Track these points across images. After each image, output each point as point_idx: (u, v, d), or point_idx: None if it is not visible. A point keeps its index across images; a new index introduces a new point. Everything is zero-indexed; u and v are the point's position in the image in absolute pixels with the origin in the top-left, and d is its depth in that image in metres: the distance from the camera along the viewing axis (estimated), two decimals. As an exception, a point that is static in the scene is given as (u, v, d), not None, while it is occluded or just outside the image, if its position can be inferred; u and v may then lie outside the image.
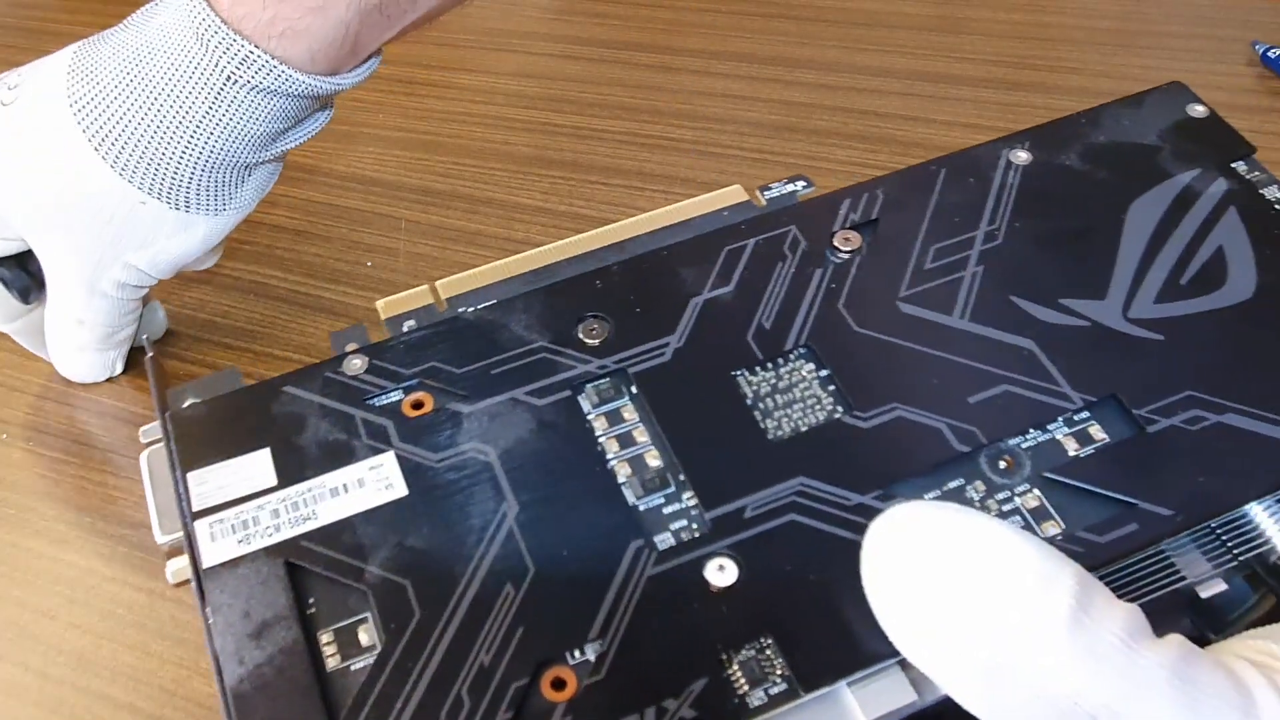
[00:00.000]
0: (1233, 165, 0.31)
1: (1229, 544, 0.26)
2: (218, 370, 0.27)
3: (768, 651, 0.22)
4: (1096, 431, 0.26)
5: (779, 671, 0.22)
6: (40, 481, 0.31)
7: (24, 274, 0.31)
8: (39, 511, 0.30)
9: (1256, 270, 0.28)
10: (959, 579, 0.19)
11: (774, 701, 0.22)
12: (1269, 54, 0.43)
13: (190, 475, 0.25)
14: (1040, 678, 0.18)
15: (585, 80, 0.21)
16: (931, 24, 0.47)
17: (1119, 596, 0.24)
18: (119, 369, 0.32)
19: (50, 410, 0.32)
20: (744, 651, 0.22)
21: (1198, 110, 0.32)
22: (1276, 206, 0.30)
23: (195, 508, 0.25)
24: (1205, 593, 0.26)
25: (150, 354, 0.27)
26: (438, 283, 0.29)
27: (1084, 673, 0.18)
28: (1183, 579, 0.25)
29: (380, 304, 0.28)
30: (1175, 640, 0.19)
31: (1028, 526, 0.24)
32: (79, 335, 0.31)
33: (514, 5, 0.48)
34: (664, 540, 0.24)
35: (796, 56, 0.45)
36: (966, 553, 0.19)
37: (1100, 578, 0.24)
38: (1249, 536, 0.26)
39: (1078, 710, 0.18)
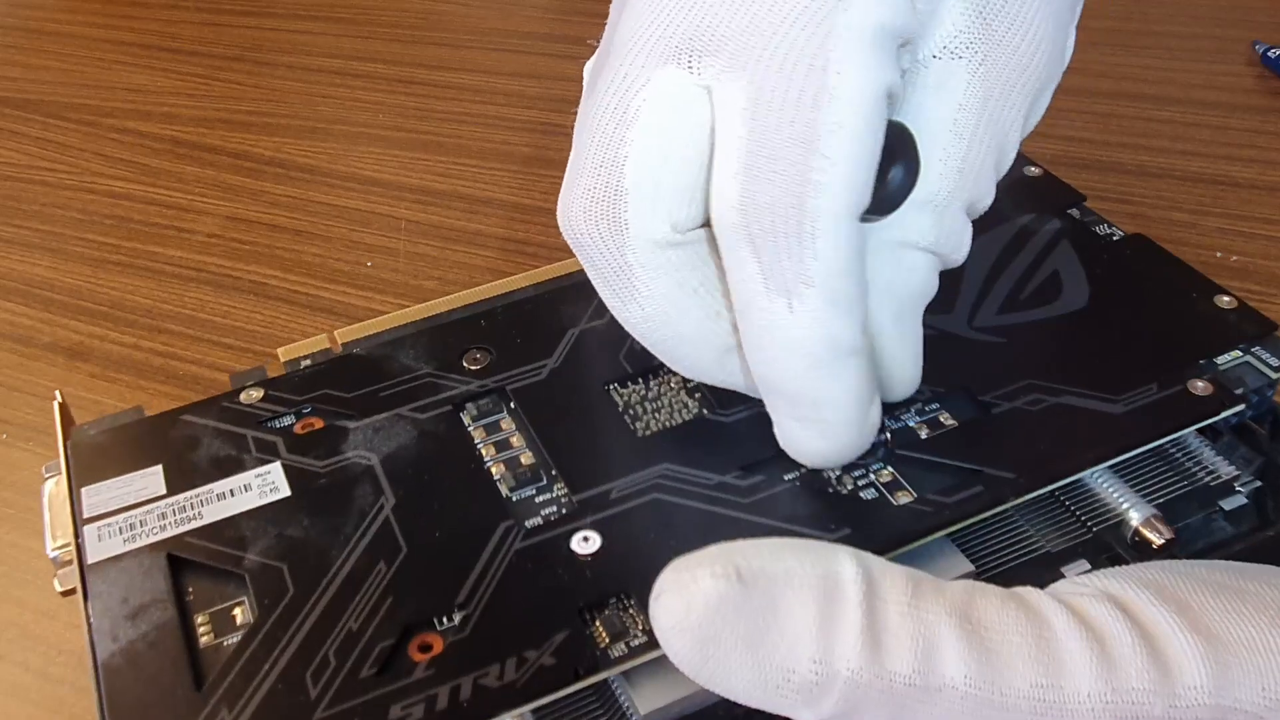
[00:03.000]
0: (1068, 211, 0.34)
1: (1081, 516, 0.27)
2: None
3: (630, 610, 0.23)
4: (945, 418, 0.27)
5: (640, 626, 0.23)
6: (40, 481, 0.30)
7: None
8: (39, 512, 0.29)
9: (1089, 286, 0.31)
10: (748, 645, 0.19)
11: (633, 653, 0.22)
12: (1269, 54, 0.45)
13: (84, 489, 0.26)
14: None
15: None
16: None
17: (981, 573, 0.26)
18: None
19: (50, 410, 0.32)
20: (606, 611, 0.23)
21: (1033, 170, 0.35)
22: (1112, 239, 0.33)
23: (85, 515, 0.26)
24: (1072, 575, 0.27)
25: (59, 400, 0.29)
26: (336, 332, 0.31)
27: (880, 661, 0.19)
28: (1039, 547, 0.26)
29: (280, 350, 0.30)
30: (960, 585, 0.20)
31: (881, 497, 0.25)
32: None
33: (514, 5, 0.50)
34: (533, 522, 0.25)
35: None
36: (749, 619, 0.19)
37: (954, 541, 0.26)
38: (1098, 509, 0.27)
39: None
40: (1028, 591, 0.21)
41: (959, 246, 0.26)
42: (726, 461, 0.26)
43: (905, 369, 0.26)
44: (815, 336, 0.23)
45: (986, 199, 0.26)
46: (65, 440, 0.28)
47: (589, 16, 0.22)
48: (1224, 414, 0.27)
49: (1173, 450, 0.29)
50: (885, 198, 0.24)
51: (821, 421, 0.24)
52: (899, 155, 0.24)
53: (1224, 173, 0.44)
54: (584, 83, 0.28)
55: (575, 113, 0.26)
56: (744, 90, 0.23)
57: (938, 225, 0.25)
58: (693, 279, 0.25)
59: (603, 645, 0.23)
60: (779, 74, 0.22)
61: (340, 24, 0.56)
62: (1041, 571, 0.26)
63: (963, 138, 0.25)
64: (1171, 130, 0.46)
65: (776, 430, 0.25)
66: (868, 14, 0.22)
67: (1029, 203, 0.34)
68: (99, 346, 0.39)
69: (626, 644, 0.23)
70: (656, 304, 0.25)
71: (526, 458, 0.27)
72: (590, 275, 0.26)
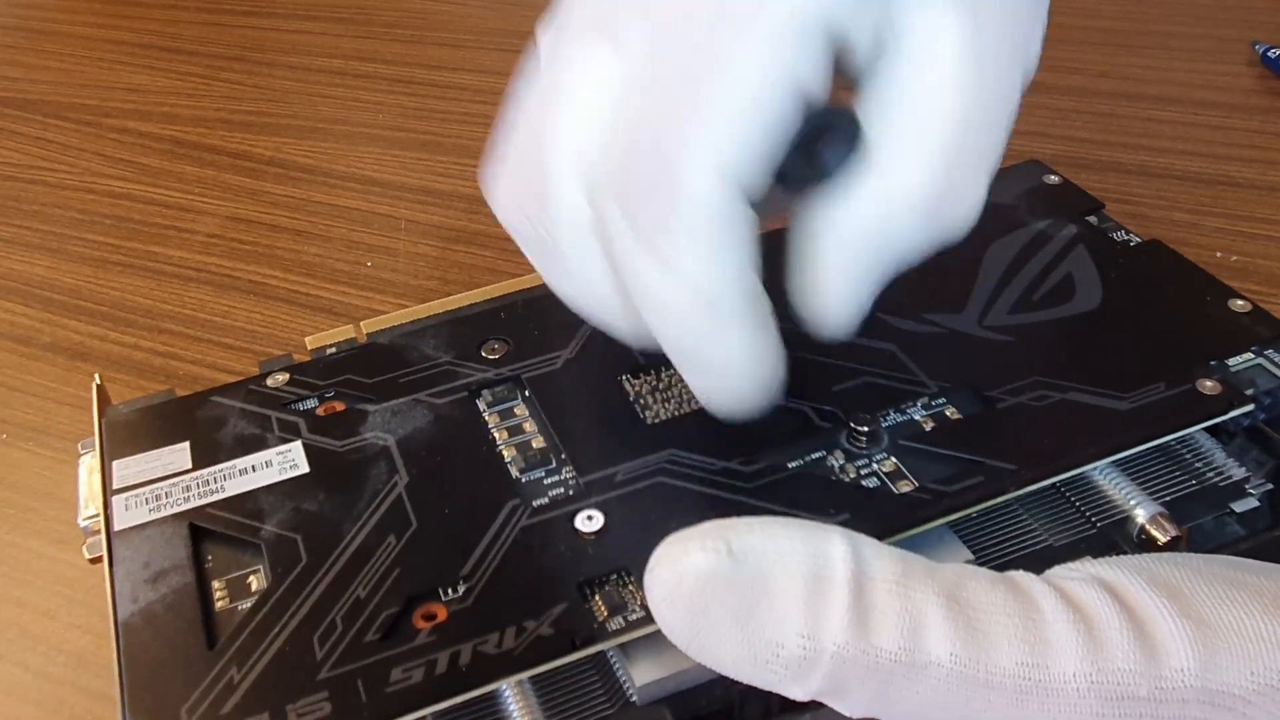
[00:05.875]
0: (1087, 219, 0.34)
1: (1086, 512, 0.27)
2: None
3: (630, 586, 0.24)
4: (951, 413, 0.28)
5: (639, 602, 0.23)
6: (40, 481, 0.32)
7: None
8: (39, 511, 0.31)
9: (1102, 288, 0.31)
10: (737, 618, 0.19)
11: (631, 627, 0.23)
12: (1269, 54, 0.45)
13: (115, 462, 0.27)
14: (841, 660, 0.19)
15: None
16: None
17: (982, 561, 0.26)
18: None
19: (50, 410, 0.33)
20: (606, 586, 0.24)
21: (1052, 179, 0.36)
22: (1129, 245, 0.33)
23: (115, 486, 0.27)
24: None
25: (97, 381, 0.30)
26: (362, 323, 0.32)
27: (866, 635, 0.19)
28: (1041, 540, 0.27)
29: (307, 339, 0.31)
30: (951, 567, 0.20)
31: (883, 486, 0.26)
32: None
33: (514, 5, 0.50)
34: (540, 501, 0.26)
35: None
36: (739, 593, 0.19)
37: (957, 533, 0.26)
38: (1104, 505, 0.27)
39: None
40: (1018, 575, 0.21)
41: (964, 215, 0.24)
42: (732, 448, 0.27)
43: (836, 313, 0.25)
44: (688, 299, 0.23)
45: (994, 156, 0.24)
46: (100, 418, 0.29)
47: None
48: (1232, 414, 0.27)
49: (1183, 451, 0.29)
50: (815, 166, 0.23)
51: (715, 377, 0.25)
52: (834, 128, 0.23)
53: (1224, 173, 0.43)
54: (537, 40, 0.28)
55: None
56: (640, 47, 0.22)
57: (946, 178, 0.24)
58: None
59: (601, 619, 0.23)
60: (667, 43, 0.22)
61: (340, 24, 0.56)
62: (1042, 566, 0.26)
63: (965, 90, 0.23)
64: (1172, 130, 0.46)
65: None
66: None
67: (1047, 209, 0.34)
68: (99, 346, 0.39)
69: (624, 618, 0.23)
70: (592, 284, 0.25)
71: (538, 441, 0.28)
72: (521, 248, 0.26)
